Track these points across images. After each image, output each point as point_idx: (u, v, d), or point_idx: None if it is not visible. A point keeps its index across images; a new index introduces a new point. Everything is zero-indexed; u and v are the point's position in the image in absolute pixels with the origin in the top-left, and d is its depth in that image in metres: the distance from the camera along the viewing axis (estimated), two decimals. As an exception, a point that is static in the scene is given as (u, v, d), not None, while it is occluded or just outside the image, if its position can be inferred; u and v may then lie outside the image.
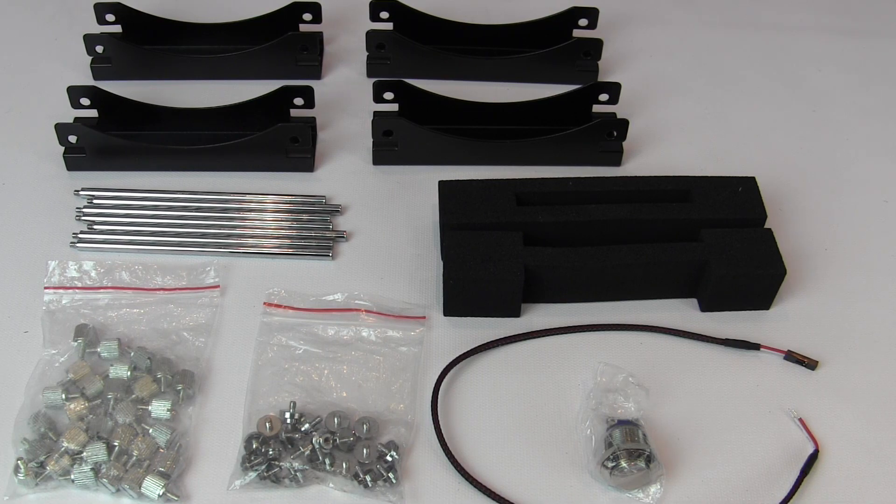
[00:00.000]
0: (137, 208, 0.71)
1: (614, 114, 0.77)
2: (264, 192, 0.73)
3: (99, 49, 0.80)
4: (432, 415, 0.60)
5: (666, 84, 0.83)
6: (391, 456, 0.57)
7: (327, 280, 0.68)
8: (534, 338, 0.64)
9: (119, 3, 0.81)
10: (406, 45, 0.81)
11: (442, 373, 0.62)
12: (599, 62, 0.82)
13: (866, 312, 0.67)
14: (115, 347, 0.62)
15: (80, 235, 0.69)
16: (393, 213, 0.72)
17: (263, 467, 0.56)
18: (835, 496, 0.58)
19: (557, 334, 0.65)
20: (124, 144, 0.72)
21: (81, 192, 0.72)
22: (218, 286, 0.66)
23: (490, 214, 0.66)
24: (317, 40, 0.82)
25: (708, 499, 0.57)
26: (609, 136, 0.75)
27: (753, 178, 0.69)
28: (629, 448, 0.56)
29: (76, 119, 0.74)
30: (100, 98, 0.73)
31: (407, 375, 0.62)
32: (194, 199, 0.72)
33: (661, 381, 0.62)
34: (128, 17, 0.81)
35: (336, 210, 0.72)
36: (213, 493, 0.56)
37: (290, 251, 0.69)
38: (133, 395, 0.60)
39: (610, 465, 0.56)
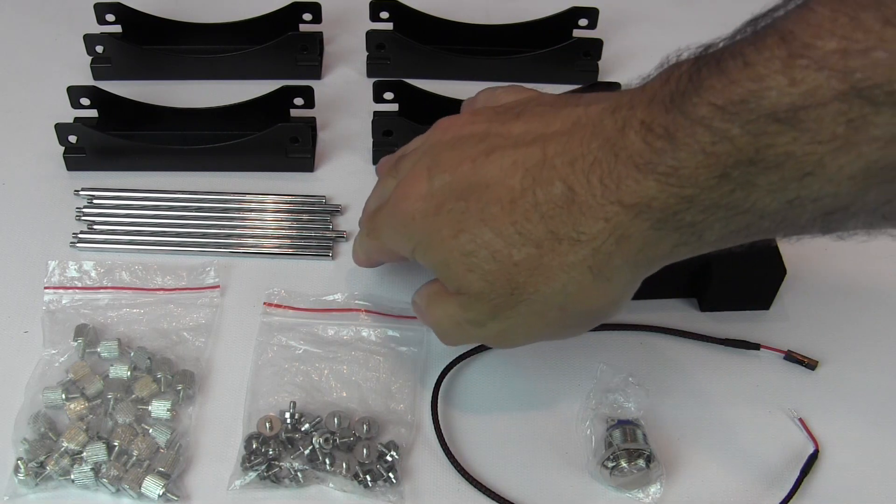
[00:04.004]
0: (137, 208, 0.71)
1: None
2: (264, 192, 0.73)
3: (99, 49, 0.80)
4: (432, 415, 0.60)
5: (666, 84, 0.83)
6: (391, 456, 0.57)
7: (327, 280, 0.68)
8: (534, 338, 0.64)
9: (119, 3, 0.81)
10: (406, 45, 0.81)
11: (442, 373, 0.62)
12: (599, 62, 0.82)
13: (866, 312, 0.67)
14: (115, 347, 0.62)
15: (80, 235, 0.69)
16: (393, 213, 0.72)
17: (263, 467, 0.56)
18: (835, 496, 0.58)
19: (557, 334, 0.65)
20: (124, 144, 0.72)
21: (81, 192, 0.72)
22: (218, 286, 0.66)
23: (490, 214, 0.66)
24: (317, 40, 0.82)
25: (708, 499, 0.57)
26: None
27: (753, 178, 0.69)
28: (629, 448, 0.56)
29: (76, 119, 0.74)
30: (100, 98, 0.73)
31: (407, 375, 0.62)
32: (194, 199, 0.72)
33: (661, 381, 0.62)
34: (128, 17, 0.81)
35: (336, 210, 0.72)
36: (213, 493, 0.56)
37: (290, 251, 0.69)
38: (133, 395, 0.60)
39: (610, 465, 0.56)
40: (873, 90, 0.34)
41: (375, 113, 0.75)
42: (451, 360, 0.62)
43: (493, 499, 0.56)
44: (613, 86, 0.75)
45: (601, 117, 0.44)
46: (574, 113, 0.46)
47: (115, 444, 0.57)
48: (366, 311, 0.65)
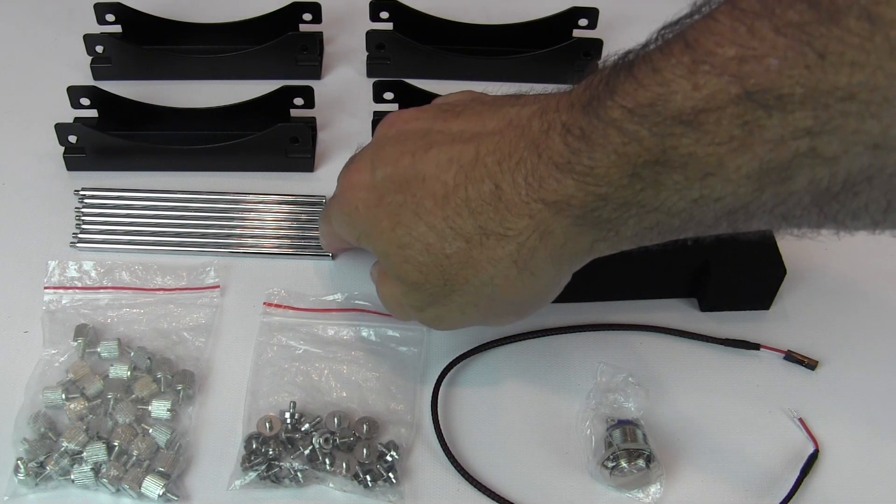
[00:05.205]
0: (137, 208, 0.71)
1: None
2: (264, 192, 0.73)
3: (99, 49, 0.80)
4: (432, 415, 0.60)
5: (666, 84, 0.83)
6: (391, 456, 0.57)
7: (327, 280, 0.68)
8: (534, 338, 0.64)
9: (119, 3, 0.81)
10: (406, 45, 0.81)
11: (442, 373, 0.62)
12: (599, 62, 0.82)
13: (866, 312, 0.67)
14: (115, 347, 0.62)
15: (80, 235, 0.69)
16: (393, 213, 0.72)
17: (263, 467, 0.56)
18: (835, 496, 0.58)
19: (557, 334, 0.65)
20: (124, 144, 0.72)
21: (81, 192, 0.72)
22: (218, 286, 0.66)
23: (490, 214, 0.66)
24: (317, 40, 0.82)
25: (708, 499, 0.57)
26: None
27: (753, 178, 0.69)
28: (629, 448, 0.56)
29: (76, 119, 0.74)
30: (100, 98, 0.73)
31: (407, 375, 0.62)
32: (194, 199, 0.72)
33: (661, 381, 0.62)
34: (128, 17, 0.81)
35: (336, 210, 0.72)
36: (213, 493, 0.56)
37: (290, 251, 0.69)
38: (133, 395, 0.60)
39: (610, 465, 0.56)
40: (764, 94, 0.35)
41: (375, 113, 0.75)
42: (451, 360, 0.62)
43: (493, 499, 0.56)
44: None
45: (531, 119, 0.46)
46: (508, 114, 0.49)
47: (115, 444, 0.57)
48: (366, 311, 0.65)
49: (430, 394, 0.61)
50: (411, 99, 0.75)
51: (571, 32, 0.82)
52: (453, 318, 0.53)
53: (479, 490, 0.57)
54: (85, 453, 0.56)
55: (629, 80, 0.40)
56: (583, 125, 0.42)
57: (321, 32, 0.84)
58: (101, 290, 0.65)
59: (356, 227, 0.54)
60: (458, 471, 0.57)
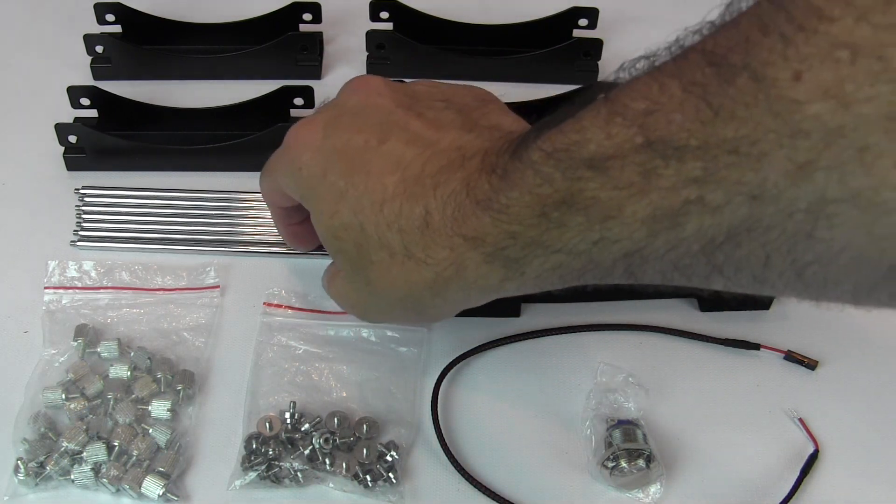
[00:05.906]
0: (137, 207, 0.71)
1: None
2: (264, 192, 0.73)
3: (99, 49, 0.80)
4: (432, 415, 0.60)
5: (666, 84, 0.83)
6: (391, 456, 0.57)
7: (327, 280, 0.68)
8: (534, 338, 0.64)
9: (119, 3, 0.81)
10: (406, 45, 0.81)
11: (442, 373, 0.62)
12: (599, 62, 0.82)
13: (866, 312, 0.67)
14: (115, 347, 0.62)
15: (81, 234, 0.69)
16: (393, 213, 0.72)
17: (263, 467, 0.56)
18: (835, 496, 0.58)
19: (557, 334, 0.65)
20: (124, 144, 0.72)
21: (81, 192, 0.72)
22: (218, 286, 0.66)
23: (490, 214, 0.66)
24: (317, 40, 0.82)
25: (708, 499, 0.57)
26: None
27: (753, 178, 0.69)
28: (629, 448, 0.56)
29: (76, 119, 0.74)
30: (100, 98, 0.73)
31: (407, 375, 0.62)
32: (194, 198, 0.72)
33: (661, 381, 0.62)
34: (128, 17, 0.81)
35: (336, 210, 0.72)
36: (213, 493, 0.56)
37: (290, 251, 0.69)
38: (133, 395, 0.60)
39: (610, 465, 0.56)
40: (664, 145, 0.38)
41: (375, 113, 0.75)
42: (451, 360, 0.62)
43: (493, 499, 0.56)
44: (613, 86, 0.75)
45: (474, 156, 0.48)
46: (463, 139, 0.50)
47: (115, 444, 0.57)
48: (366, 311, 0.65)
49: (430, 394, 0.61)
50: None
51: (571, 32, 0.82)
52: (379, 315, 0.56)
53: (479, 490, 0.57)
54: (85, 453, 0.56)
55: (553, 126, 0.43)
56: (506, 165, 0.45)
57: (321, 32, 0.84)
58: (101, 290, 0.65)
59: (299, 188, 0.55)
60: (458, 471, 0.57)
